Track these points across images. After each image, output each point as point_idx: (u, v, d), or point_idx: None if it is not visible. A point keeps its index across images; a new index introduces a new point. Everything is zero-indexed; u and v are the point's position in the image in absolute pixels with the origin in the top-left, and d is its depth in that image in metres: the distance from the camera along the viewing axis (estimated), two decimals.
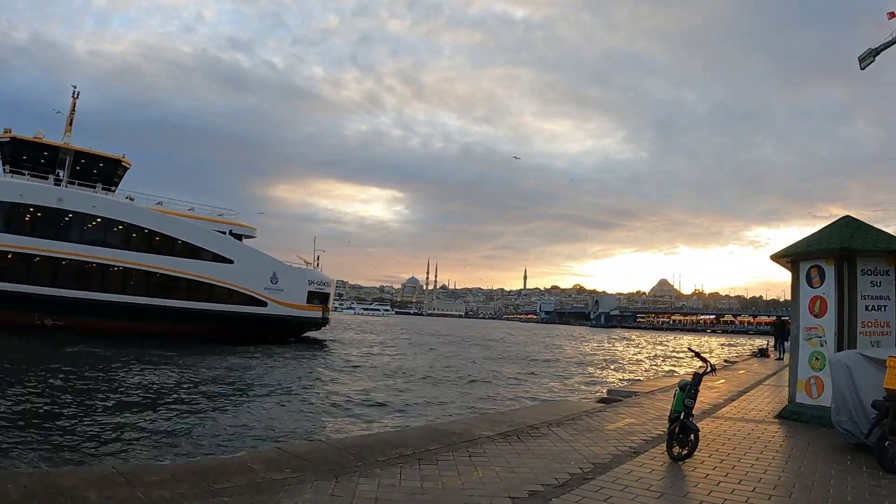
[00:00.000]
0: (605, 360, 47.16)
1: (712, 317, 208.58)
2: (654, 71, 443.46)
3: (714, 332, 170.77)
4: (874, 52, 77.66)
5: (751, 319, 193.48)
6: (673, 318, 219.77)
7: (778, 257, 13.79)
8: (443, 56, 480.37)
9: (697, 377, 8.75)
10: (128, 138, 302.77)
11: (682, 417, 8.55)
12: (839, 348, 11.83)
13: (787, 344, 41.87)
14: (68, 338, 33.59)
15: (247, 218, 51.61)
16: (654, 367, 42.23)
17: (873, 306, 12.02)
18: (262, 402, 18.86)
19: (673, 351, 65.22)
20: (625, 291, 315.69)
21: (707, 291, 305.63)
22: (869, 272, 12.10)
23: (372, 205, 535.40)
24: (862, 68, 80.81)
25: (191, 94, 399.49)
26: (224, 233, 45.19)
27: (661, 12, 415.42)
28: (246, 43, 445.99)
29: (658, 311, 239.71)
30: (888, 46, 74.72)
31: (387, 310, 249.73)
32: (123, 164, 44.96)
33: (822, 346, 12.29)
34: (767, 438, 10.63)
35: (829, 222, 13.56)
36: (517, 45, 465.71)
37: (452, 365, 36.06)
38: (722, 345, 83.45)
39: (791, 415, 12.63)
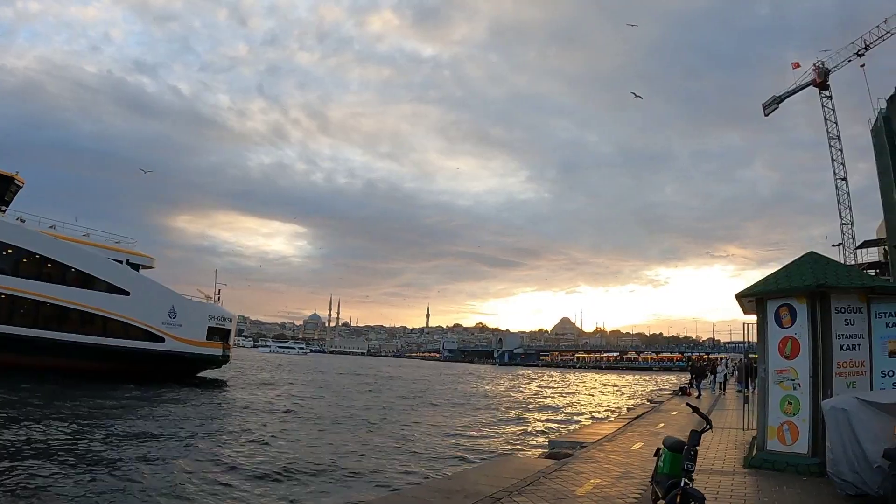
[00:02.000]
0: (522, 400, 45.98)
1: (616, 354, 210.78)
2: (559, 112, 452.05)
3: (618, 369, 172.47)
4: (778, 100, 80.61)
5: (654, 356, 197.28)
6: (576, 355, 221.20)
7: (742, 296, 13.06)
8: (350, 91, 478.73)
9: (696, 435, 7.51)
10: (25, 158, 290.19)
11: (681, 484, 7.23)
12: (815, 391, 11.17)
13: (704, 382, 42.19)
14: None
15: (146, 247, 48.90)
16: (573, 407, 41.30)
17: (848, 345, 11.34)
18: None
19: (584, 388, 64.45)
20: (527, 329, 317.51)
21: (609, 329, 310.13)
22: (843, 310, 11.43)
23: (274, 239, 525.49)
24: (766, 114, 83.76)
25: (94, 116, 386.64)
26: (121, 262, 42.44)
27: (567, 55, 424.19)
28: (152, 66, 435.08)
29: (561, 349, 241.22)
30: (792, 94, 77.68)
31: (302, 348, 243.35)
32: (16, 182, 41.72)
33: (794, 389, 11.48)
34: (752, 494, 9.61)
35: (791, 259, 12.97)
36: (425, 83, 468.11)
37: (372, 406, 34.35)
38: (633, 383, 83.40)
39: (763, 463, 11.74)
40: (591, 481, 10.50)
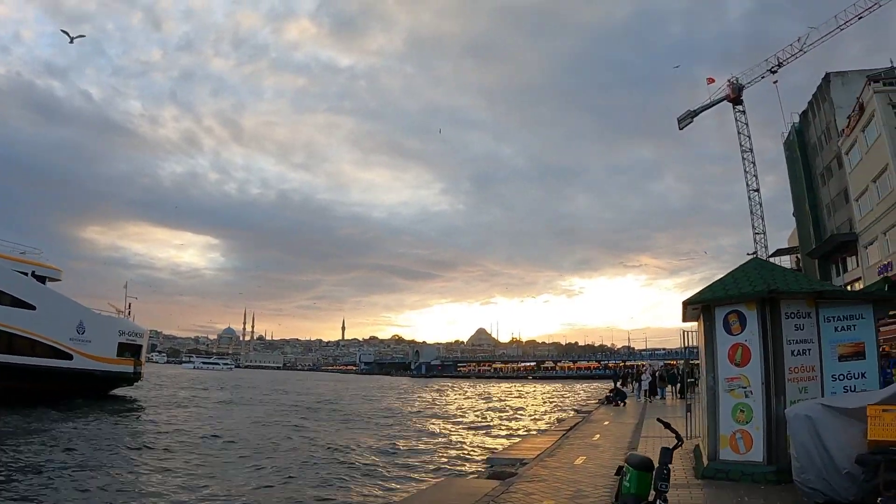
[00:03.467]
0: (447, 414, 45.37)
1: (533, 364, 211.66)
2: (474, 125, 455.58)
3: (536, 378, 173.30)
4: (693, 114, 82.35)
5: (571, 365, 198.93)
6: (494, 366, 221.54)
7: (690, 303, 12.77)
8: (264, 99, 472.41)
9: (668, 453, 7.17)
10: None
11: None
12: (767, 398, 11.09)
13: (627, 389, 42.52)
14: None
15: (52, 259, 46.69)
16: (500, 419, 40.95)
17: (798, 351, 11.31)
18: None
19: (506, 400, 64.12)
20: (444, 341, 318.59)
21: (524, 339, 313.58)
22: (792, 315, 11.41)
23: (186, 251, 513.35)
24: (681, 128, 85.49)
25: (0, 119, 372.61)
26: (26, 274, 40.24)
27: (483, 69, 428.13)
28: (63, 70, 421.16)
29: (478, 360, 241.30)
30: (706, 108, 79.46)
31: (227, 364, 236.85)
32: None
33: (746, 396, 11.32)
34: None
35: (734, 267, 13.11)
36: (340, 93, 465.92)
37: (300, 426, 33.25)
38: (554, 392, 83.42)
39: (716, 473, 11.52)
40: (545, 503, 9.95)
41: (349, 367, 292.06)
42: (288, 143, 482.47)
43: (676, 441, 7.64)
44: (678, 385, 40.30)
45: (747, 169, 72.23)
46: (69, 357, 39.94)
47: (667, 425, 8.18)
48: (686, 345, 15.64)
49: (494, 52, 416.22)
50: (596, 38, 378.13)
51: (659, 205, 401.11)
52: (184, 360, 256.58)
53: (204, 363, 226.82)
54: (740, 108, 74.25)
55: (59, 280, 44.43)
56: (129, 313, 47.71)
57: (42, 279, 41.71)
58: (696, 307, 12.63)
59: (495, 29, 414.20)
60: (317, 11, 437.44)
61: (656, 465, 7.23)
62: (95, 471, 18.09)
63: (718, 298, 11.88)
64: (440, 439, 29.56)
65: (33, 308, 38.95)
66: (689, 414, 16.43)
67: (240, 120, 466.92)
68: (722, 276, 12.85)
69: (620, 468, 7.97)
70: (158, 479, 17.31)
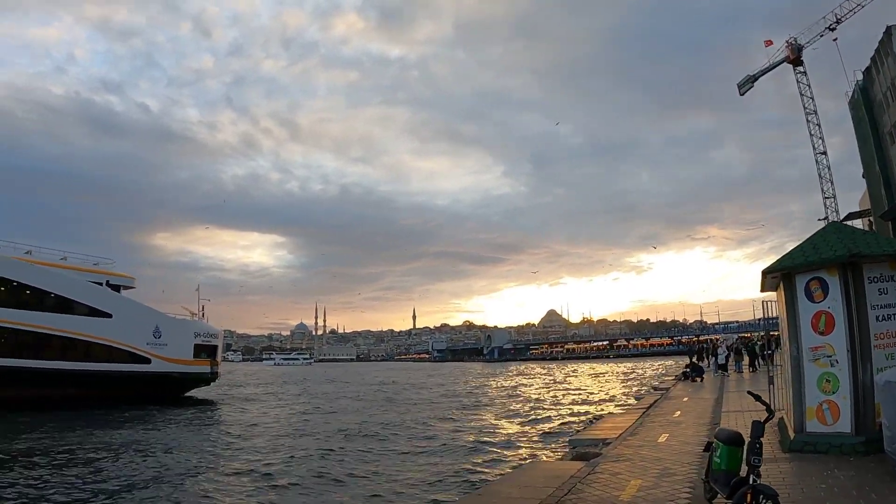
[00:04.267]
0: (521, 395, 45.45)
1: (605, 343, 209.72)
2: (528, 106, 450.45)
3: (608, 358, 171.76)
4: (752, 79, 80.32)
5: (644, 342, 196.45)
6: (566, 347, 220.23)
7: (769, 272, 12.15)
8: (318, 96, 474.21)
9: (760, 426, 6.79)
10: None
11: (750, 481, 6.45)
12: (853, 366, 10.46)
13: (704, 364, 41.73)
14: None
15: (125, 267, 47.73)
16: (577, 400, 40.77)
17: (883, 316, 10.66)
18: None
19: (580, 380, 63.69)
20: (515, 324, 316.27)
21: (595, 318, 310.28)
22: (875, 279, 10.78)
23: (254, 251, 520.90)
24: (741, 94, 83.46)
25: (62, 138, 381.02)
26: (100, 284, 41.28)
27: (532, 49, 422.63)
28: (118, 84, 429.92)
29: (550, 342, 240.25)
30: (766, 72, 77.42)
31: (306, 359, 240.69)
32: None
33: (832, 366, 10.71)
34: (805, 481, 8.82)
35: (811, 233, 12.40)
36: (393, 85, 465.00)
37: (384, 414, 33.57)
38: (628, 371, 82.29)
39: (804, 446, 10.96)
40: (632, 483, 9.66)
41: (422, 356, 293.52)
42: (345, 138, 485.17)
43: (767, 414, 7.30)
44: (754, 357, 39.51)
45: (812, 132, 69.93)
46: (147, 361, 40.78)
47: (757, 397, 7.86)
48: (766, 315, 15.15)
49: (541, 31, 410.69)
50: (642, 9, 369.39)
51: (721, 174, 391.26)
52: (264, 357, 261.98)
53: (284, 359, 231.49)
54: (801, 69, 71.90)
55: (133, 287, 45.41)
56: (203, 315, 48.51)
57: (116, 288, 42.71)
58: (776, 276, 12.07)
59: (540, 7, 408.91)
60: (363, 5, 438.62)
61: (747, 439, 6.93)
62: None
63: (798, 266, 11.31)
64: (519, 422, 29.55)
65: (109, 316, 39.85)
66: (771, 386, 15.92)
67: (296, 119, 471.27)
68: (795, 243, 12.34)
69: (709, 444, 7.71)
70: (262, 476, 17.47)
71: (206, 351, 44.93)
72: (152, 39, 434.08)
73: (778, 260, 11.99)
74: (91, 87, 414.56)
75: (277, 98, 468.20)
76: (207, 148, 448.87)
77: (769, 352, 26.05)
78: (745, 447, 6.88)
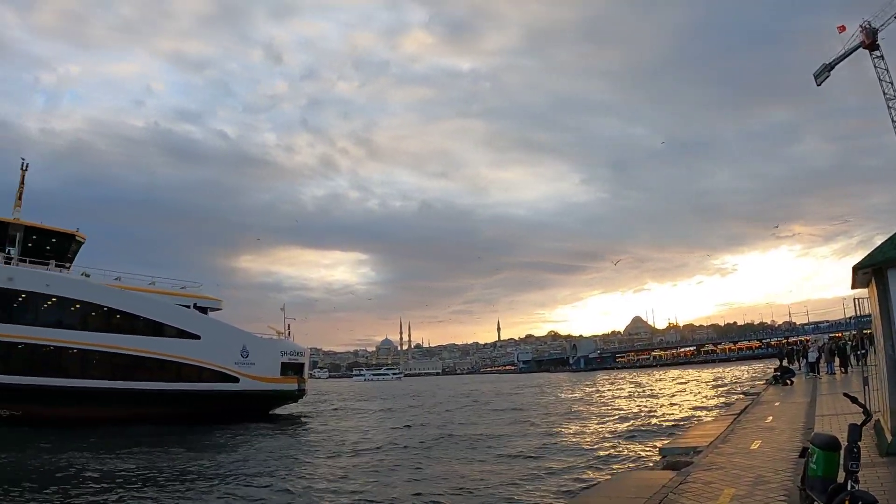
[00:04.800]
0: (609, 404, 44.90)
1: (692, 348, 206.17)
2: (602, 110, 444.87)
3: (697, 363, 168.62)
4: (828, 67, 77.98)
5: (732, 346, 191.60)
6: (653, 354, 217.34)
7: (860, 267, 11.48)
8: (393, 114, 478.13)
9: (857, 430, 6.37)
10: (83, 215, 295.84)
11: (847, 487, 6.10)
12: None
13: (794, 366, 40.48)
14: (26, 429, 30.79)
15: (211, 290, 48.73)
16: (666, 407, 40.03)
17: None
18: None
19: (668, 387, 62.58)
20: (600, 333, 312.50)
21: (681, 323, 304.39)
22: None
23: (336, 269, 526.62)
24: (818, 84, 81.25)
25: (145, 168, 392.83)
26: (188, 306, 42.25)
27: (602, 52, 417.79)
28: (196, 114, 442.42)
29: (636, 349, 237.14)
30: (842, 59, 75.08)
31: (396, 374, 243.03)
32: (77, 238, 42.10)
33: None
34: None
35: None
36: (466, 97, 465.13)
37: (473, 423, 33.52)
38: (717, 376, 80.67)
39: None
40: (726, 492, 9.28)
41: (507, 368, 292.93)
42: (422, 154, 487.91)
43: (865, 416, 6.91)
44: (845, 358, 38.15)
45: (894, 117, 67.50)
46: (236, 380, 41.51)
47: (854, 399, 7.37)
48: (858, 313, 14.50)
49: (611, 33, 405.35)
50: (712, 2, 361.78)
51: (802, 168, 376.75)
52: (354, 373, 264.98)
53: (374, 374, 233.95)
54: (877, 53, 69.43)
55: (220, 309, 46.29)
56: (289, 334, 49.00)
57: (204, 310, 43.66)
58: (867, 271, 11.47)
59: (606, 8, 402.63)
60: (429, 21, 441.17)
61: (843, 443, 6.57)
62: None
63: (890, 259, 10.64)
64: (608, 431, 29.16)
65: (198, 337, 40.76)
66: (866, 387, 15.27)
67: (372, 137, 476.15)
68: (885, 236, 11.71)
69: (805, 449, 7.34)
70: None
71: (292, 369, 45.43)
72: (226, 68, 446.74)
73: (868, 254, 11.38)
74: (169, 118, 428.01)
75: (353, 118, 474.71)
76: (286, 170, 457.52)
77: (862, 351, 25.08)
78: (842, 452, 6.50)
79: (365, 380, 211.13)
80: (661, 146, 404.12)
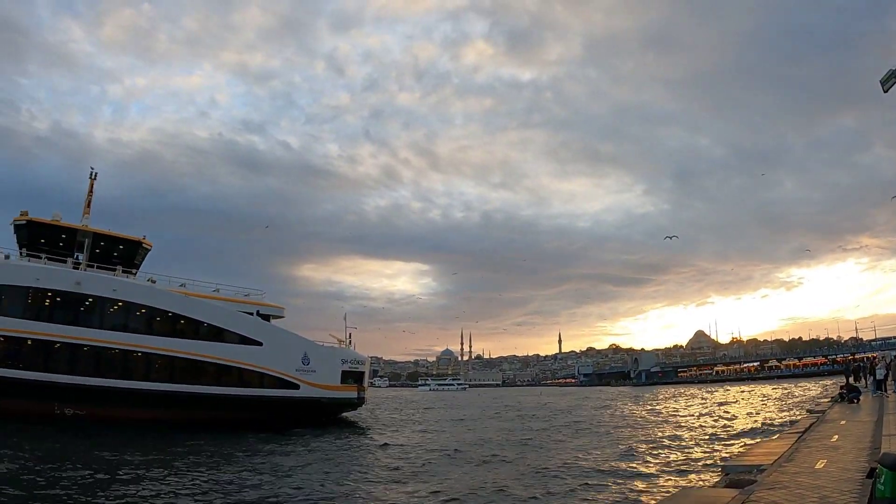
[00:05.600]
0: (671, 420, 44.22)
1: (756, 364, 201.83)
2: (666, 120, 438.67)
3: (760, 379, 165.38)
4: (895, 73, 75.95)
5: (796, 362, 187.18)
6: (715, 369, 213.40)
7: None
8: (455, 125, 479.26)
9: None
10: (149, 223, 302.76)
11: None
12: None
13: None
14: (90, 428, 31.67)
15: (274, 298, 49.32)
16: (728, 423, 39.31)
17: None
18: None
19: (731, 402, 61.30)
20: (662, 346, 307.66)
21: (745, 338, 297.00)
22: None
23: (398, 279, 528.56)
24: (885, 91, 78.79)
25: (210, 178, 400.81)
26: (251, 314, 42.91)
27: (665, 61, 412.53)
28: (260, 125, 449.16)
29: (699, 364, 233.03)
30: None
31: (461, 384, 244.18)
32: (144, 245, 43.19)
33: None
34: None
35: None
36: (527, 108, 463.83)
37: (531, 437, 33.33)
38: (781, 392, 78.99)
39: None
40: None
41: (568, 381, 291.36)
42: (484, 164, 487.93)
43: None
44: None
45: None
46: (296, 387, 41.90)
47: None
48: None
49: (672, 41, 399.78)
50: (771, 8, 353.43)
51: (870, 178, 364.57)
52: (419, 383, 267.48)
53: (438, 385, 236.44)
54: None
55: (283, 317, 46.81)
56: (350, 342, 49.26)
57: (266, 317, 44.23)
58: None
59: (668, 16, 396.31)
60: (490, 31, 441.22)
61: None
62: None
63: None
64: (670, 447, 28.60)
65: (260, 344, 41.25)
66: None
67: (434, 148, 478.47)
68: None
69: (873, 470, 6.97)
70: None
71: (353, 377, 45.71)
72: (289, 80, 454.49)
73: None
74: (233, 129, 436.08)
75: (415, 129, 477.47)
76: (349, 181, 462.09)
77: None
78: None
79: (430, 390, 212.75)
80: (723, 155, 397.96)
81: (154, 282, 41.95)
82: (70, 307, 37.15)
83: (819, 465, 13.14)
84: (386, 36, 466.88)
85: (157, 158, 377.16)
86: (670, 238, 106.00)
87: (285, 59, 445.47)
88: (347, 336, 49.17)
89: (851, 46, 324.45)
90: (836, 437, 18.10)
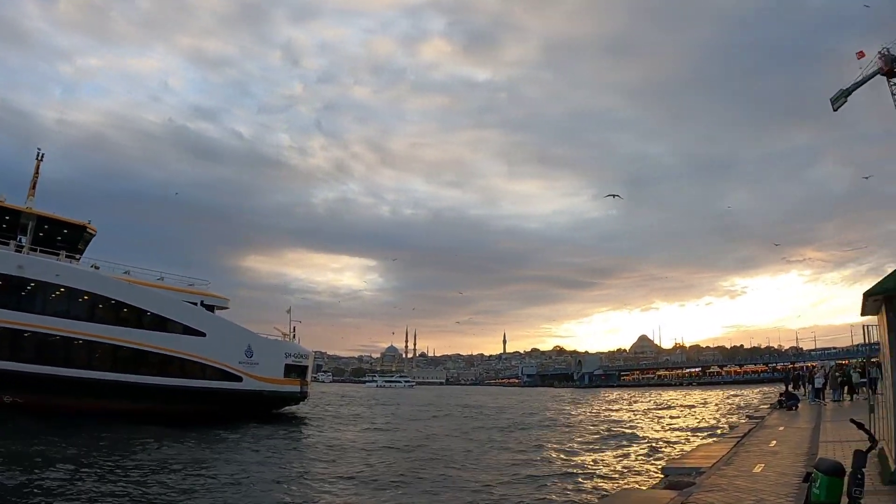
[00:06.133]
0: (612, 422, 44.76)
1: (697, 370, 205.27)
2: (620, 126, 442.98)
3: (701, 385, 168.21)
4: (846, 93, 77.63)
5: (738, 369, 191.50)
6: (657, 373, 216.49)
7: (871, 294, 11.39)
8: (409, 121, 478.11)
9: (862, 457, 6.37)
10: (95, 208, 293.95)
11: None
12: None
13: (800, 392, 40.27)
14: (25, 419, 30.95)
15: (219, 288, 48.81)
16: (670, 427, 40.22)
17: None
18: None
19: (673, 407, 62.28)
20: (605, 350, 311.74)
21: (688, 344, 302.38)
22: None
23: (344, 273, 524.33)
24: (835, 109, 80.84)
25: (160, 164, 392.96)
26: (195, 304, 42.37)
27: (623, 67, 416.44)
28: (212, 112, 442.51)
29: (641, 368, 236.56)
30: (859, 85, 74.76)
31: (408, 381, 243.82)
32: (89, 230, 42.45)
33: None
34: None
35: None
36: (483, 108, 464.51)
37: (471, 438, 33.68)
38: (722, 398, 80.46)
39: None
40: None
41: (512, 381, 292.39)
42: (437, 162, 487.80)
43: (870, 443, 6.88)
44: (850, 385, 38.08)
45: None
46: (239, 379, 41.59)
47: (860, 426, 7.39)
48: (867, 341, 14.44)
49: (631, 49, 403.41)
50: (733, 21, 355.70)
51: (819, 192, 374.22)
52: (366, 379, 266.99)
53: (386, 381, 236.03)
54: (895, 80, 69.29)
55: (227, 308, 46.39)
56: (294, 336, 49.04)
57: (211, 308, 43.77)
58: (877, 298, 11.41)
59: (629, 24, 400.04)
60: (449, 29, 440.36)
61: (847, 470, 6.54)
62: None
63: None
64: (610, 448, 29.18)
65: (204, 335, 40.86)
66: (872, 415, 15.18)
67: (387, 144, 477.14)
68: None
69: (808, 475, 7.29)
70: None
71: (296, 371, 45.52)
72: (244, 68, 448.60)
73: (880, 281, 11.31)
74: (186, 115, 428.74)
75: (368, 123, 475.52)
76: (299, 173, 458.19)
77: (864, 380, 25.04)
78: (847, 478, 6.47)
79: (378, 386, 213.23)
80: (676, 164, 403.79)
81: (98, 268, 41.19)
82: (11, 291, 36.33)
83: (757, 469, 13.55)
84: (344, 29, 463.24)
85: (107, 142, 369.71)
86: (613, 197, 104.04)
87: (241, 46, 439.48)
88: (292, 329, 48.95)
89: (808, 64, 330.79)
90: (775, 442, 18.65)
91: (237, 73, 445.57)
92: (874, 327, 13.43)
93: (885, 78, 70.12)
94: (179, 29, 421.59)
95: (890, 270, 11.39)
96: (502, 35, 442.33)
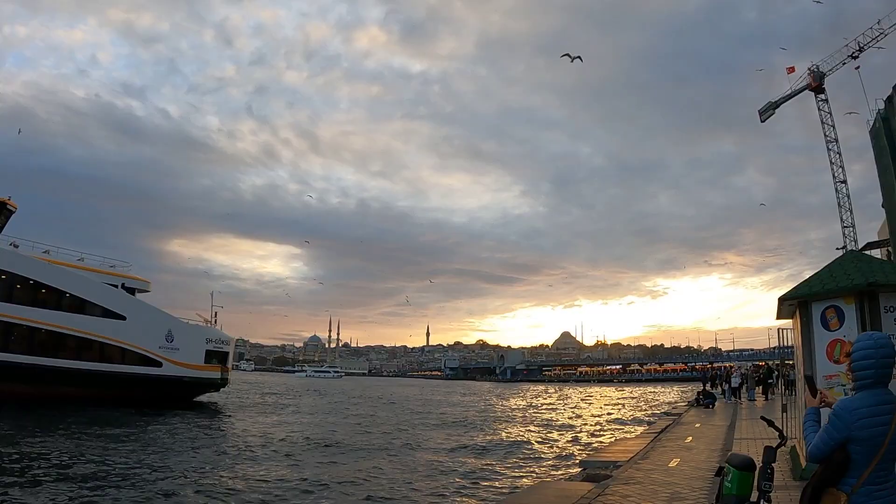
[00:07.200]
0: (533, 416, 45.29)
1: (618, 367, 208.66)
2: (550, 125, 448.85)
3: (621, 382, 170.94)
4: (774, 105, 79.96)
5: (657, 367, 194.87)
6: (579, 369, 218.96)
7: (785, 299, 12.14)
8: (339, 109, 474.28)
9: (772, 452, 6.67)
10: (14, 184, 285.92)
11: None
12: None
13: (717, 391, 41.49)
14: None
15: (141, 271, 48.00)
16: (589, 422, 40.74)
17: None
18: None
19: (593, 402, 63.26)
20: (528, 345, 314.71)
21: (609, 342, 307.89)
22: (892, 309, 10.55)
23: (269, 261, 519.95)
24: (762, 121, 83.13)
25: (85, 141, 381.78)
26: (116, 286, 41.58)
27: (555, 68, 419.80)
28: (140, 89, 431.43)
29: (563, 364, 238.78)
30: (787, 99, 77.08)
31: (337, 372, 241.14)
32: (8, 206, 40.93)
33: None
34: None
35: (824, 262, 12.38)
36: (414, 99, 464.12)
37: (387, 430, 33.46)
38: (640, 395, 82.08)
39: None
40: None
41: (434, 373, 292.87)
42: (365, 152, 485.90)
43: (780, 440, 7.21)
44: (766, 385, 39.48)
45: (833, 160, 69.36)
46: (158, 364, 40.95)
47: (770, 423, 7.74)
48: (781, 343, 15.03)
49: (565, 49, 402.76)
50: (668, 29, 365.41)
51: (743, 199, 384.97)
52: (296, 369, 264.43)
53: (315, 371, 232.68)
54: (822, 96, 71.39)
55: (148, 291, 45.70)
56: (216, 322, 48.57)
57: (131, 291, 43.03)
58: (792, 303, 12.02)
59: (565, 25, 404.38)
60: (385, 19, 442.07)
61: (758, 465, 6.85)
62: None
63: (815, 293, 11.20)
64: (530, 442, 29.34)
65: (123, 318, 40.12)
66: (784, 414, 15.79)
67: (316, 131, 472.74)
68: (813, 271, 12.26)
69: (721, 469, 7.59)
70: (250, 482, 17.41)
71: (217, 357, 45.00)
72: (175, 46, 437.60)
73: (795, 287, 11.91)
74: (112, 91, 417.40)
75: (299, 109, 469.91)
76: (227, 156, 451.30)
77: (770, 381, 25.94)
78: (757, 473, 6.79)
79: (307, 376, 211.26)
80: (603, 165, 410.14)
81: (17, 246, 39.91)
82: None
83: (673, 464, 14.01)
84: (280, 10, 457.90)
85: (30, 115, 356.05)
86: (572, 58, 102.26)
87: (174, 23, 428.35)
88: (213, 315, 48.51)
89: (737, 75, 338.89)
90: (691, 438, 19.26)
91: (168, 50, 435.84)
92: (789, 330, 14.01)
93: (812, 93, 72.33)
94: (111, 1, 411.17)
95: (808, 276, 11.96)
96: (439, 28, 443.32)
